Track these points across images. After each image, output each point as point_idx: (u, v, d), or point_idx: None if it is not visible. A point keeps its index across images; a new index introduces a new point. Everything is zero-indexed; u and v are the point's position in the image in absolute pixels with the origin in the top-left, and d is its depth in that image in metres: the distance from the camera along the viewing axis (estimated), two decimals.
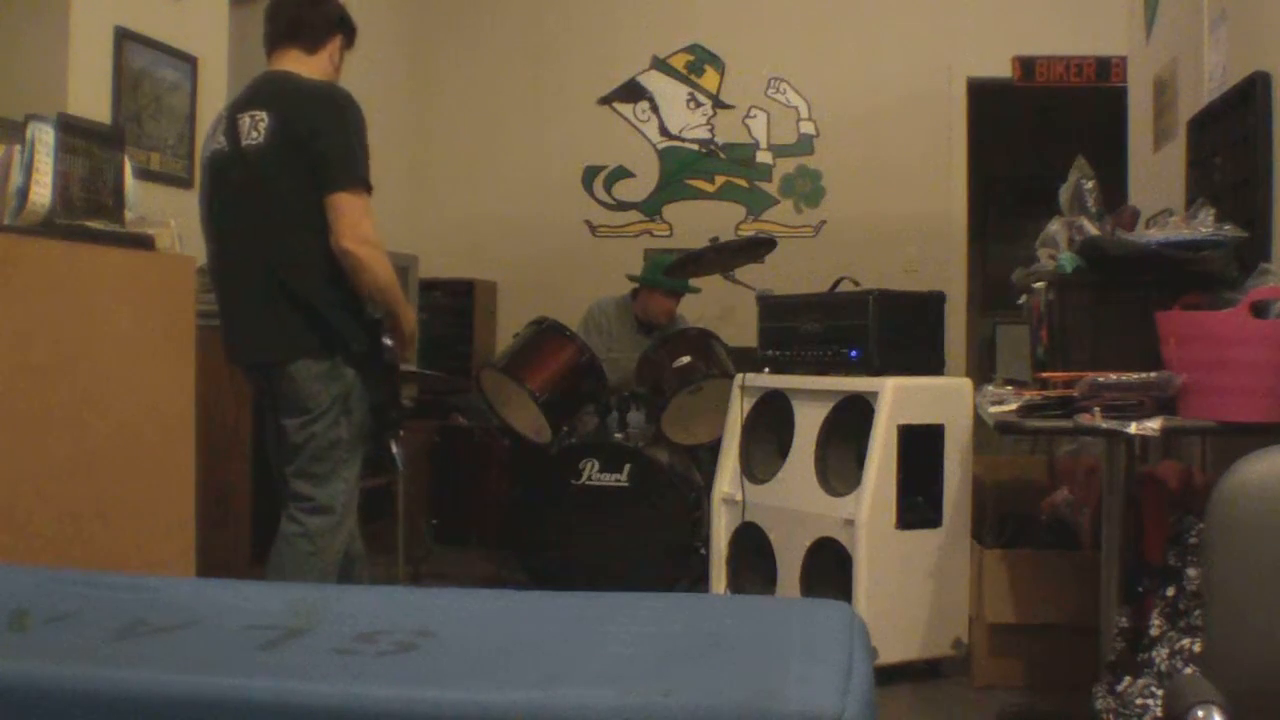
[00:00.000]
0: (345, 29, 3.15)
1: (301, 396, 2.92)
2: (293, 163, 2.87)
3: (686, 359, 4.41)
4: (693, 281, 4.96)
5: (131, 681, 1.09)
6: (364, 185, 2.90)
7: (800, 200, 6.37)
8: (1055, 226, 2.90)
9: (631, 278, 5.17)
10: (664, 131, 6.47)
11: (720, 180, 6.44)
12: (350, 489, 3.01)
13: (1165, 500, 2.96)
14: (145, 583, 1.49)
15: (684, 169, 6.46)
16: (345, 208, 2.85)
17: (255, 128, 2.91)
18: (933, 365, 3.72)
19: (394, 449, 3.17)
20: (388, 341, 3.02)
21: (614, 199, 6.51)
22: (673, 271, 4.68)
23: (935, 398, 3.56)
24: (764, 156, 6.40)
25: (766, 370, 3.94)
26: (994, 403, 2.65)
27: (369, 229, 2.89)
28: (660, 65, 6.47)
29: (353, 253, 2.85)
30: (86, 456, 2.60)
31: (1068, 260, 2.77)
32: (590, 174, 6.52)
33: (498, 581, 4.72)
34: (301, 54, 3.04)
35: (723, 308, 5.79)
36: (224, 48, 4.41)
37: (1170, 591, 2.54)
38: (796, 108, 6.36)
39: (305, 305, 2.91)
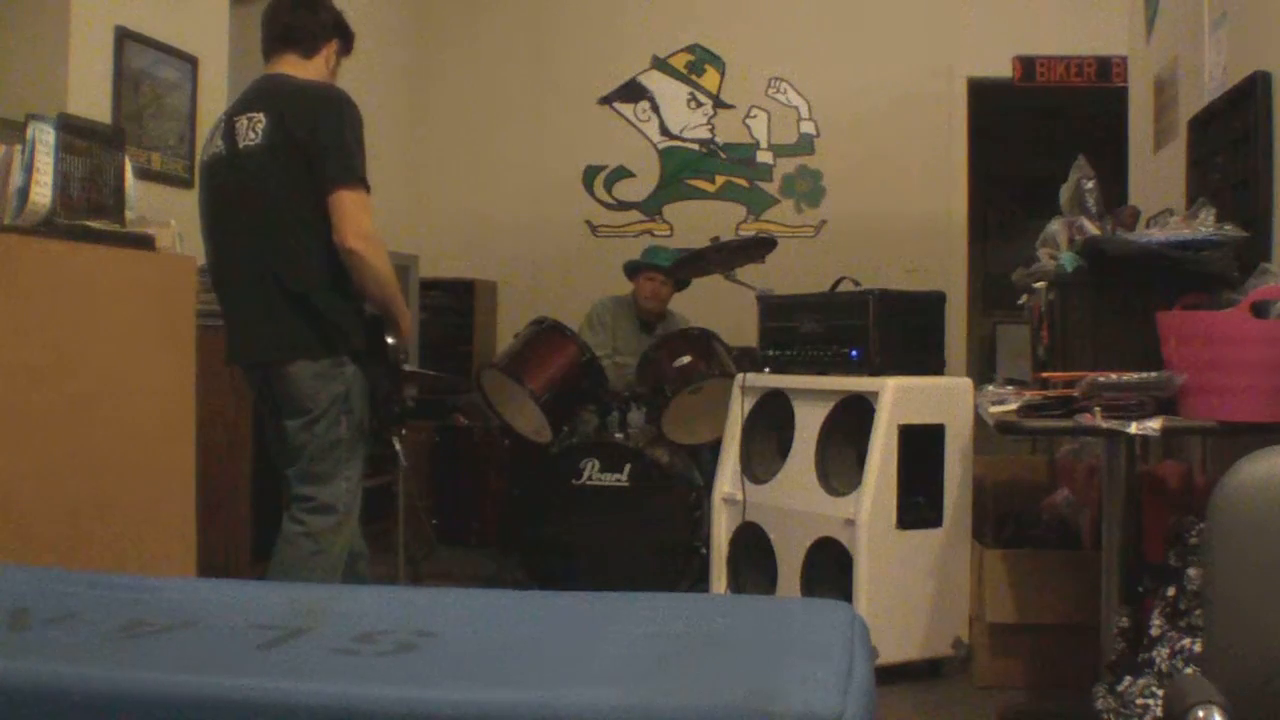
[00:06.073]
0: (341, 35, 3.16)
1: (301, 397, 2.92)
2: (291, 162, 2.88)
3: (687, 359, 4.41)
4: (694, 281, 4.95)
5: (131, 681, 1.09)
6: (363, 183, 2.91)
7: (800, 200, 6.36)
8: (1055, 226, 2.90)
9: (626, 265, 5.15)
10: (664, 131, 6.47)
11: (721, 180, 6.44)
12: (353, 487, 3.01)
13: (1165, 500, 2.96)
14: (145, 583, 1.49)
15: (684, 169, 6.46)
16: (347, 205, 2.86)
17: (253, 129, 2.92)
18: (933, 365, 3.72)
19: (396, 445, 3.17)
20: (390, 340, 3.03)
21: (614, 199, 6.51)
22: (674, 270, 4.67)
23: (935, 398, 3.56)
24: (764, 156, 6.39)
25: (767, 370, 3.94)
26: (994, 403, 2.65)
27: (370, 225, 2.90)
28: (660, 65, 6.47)
29: (356, 250, 2.87)
30: (86, 456, 2.60)
31: (1068, 260, 2.77)
32: (590, 174, 6.51)
33: (498, 581, 4.72)
34: (297, 59, 3.06)
35: (722, 307, 5.79)
36: (224, 48, 4.41)
37: (1170, 591, 2.53)
38: (796, 108, 6.36)
39: (303, 304, 2.91)
